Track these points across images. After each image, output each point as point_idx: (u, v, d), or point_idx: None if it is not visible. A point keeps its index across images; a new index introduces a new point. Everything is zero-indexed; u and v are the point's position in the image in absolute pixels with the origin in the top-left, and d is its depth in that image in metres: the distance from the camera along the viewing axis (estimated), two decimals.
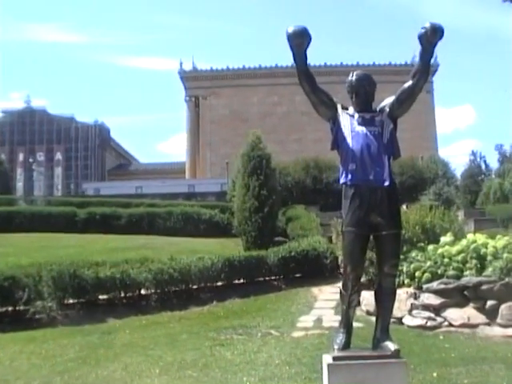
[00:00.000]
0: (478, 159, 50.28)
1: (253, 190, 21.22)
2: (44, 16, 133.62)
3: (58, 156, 79.61)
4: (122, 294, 13.97)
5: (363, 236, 5.38)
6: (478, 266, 11.14)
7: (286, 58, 53.98)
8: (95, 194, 48.29)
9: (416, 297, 11.22)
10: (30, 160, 74.57)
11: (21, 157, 78.71)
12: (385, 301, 5.58)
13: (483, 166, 50.28)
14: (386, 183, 5.33)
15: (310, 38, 5.29)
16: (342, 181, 5.50)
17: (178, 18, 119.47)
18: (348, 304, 5.56)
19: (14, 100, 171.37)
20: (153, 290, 14.17)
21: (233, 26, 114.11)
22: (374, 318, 5.77)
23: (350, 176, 5.38)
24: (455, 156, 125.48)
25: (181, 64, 67.47)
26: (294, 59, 5.41)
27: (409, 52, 61.76)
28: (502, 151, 73.70)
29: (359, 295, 5.77)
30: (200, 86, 65.94)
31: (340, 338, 5.47)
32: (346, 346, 5.41)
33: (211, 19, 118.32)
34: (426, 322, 10.79)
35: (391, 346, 5.23)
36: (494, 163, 64.89)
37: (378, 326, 5.55)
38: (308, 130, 56.60)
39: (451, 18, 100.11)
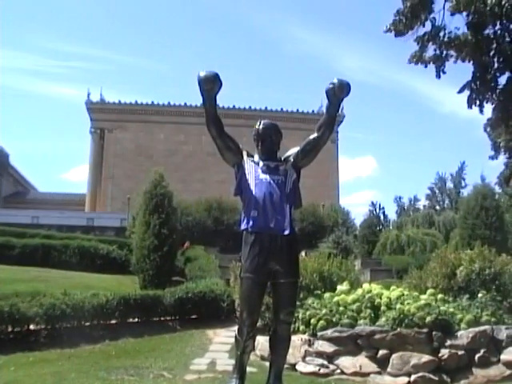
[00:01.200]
0: (377, 210, 51.81)
1: (153, 228, 21.02)
2: None
3: None
4: (10, 329, 13.36)
5: (261, 283, 5.41)
6: (372, 315, 11.36)
7: (195, 98, 54.28)
8: None
9: (310, 344, 11.28)
10: None
11: None
12: (279, 347, 5.62)
13: (382, 217, 51.77)
14: (287, 232, 5.40)
15: (220, 84, 5.34)
16: (243, 227, 5.54)
17: (89, 48, 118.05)
18: (242, 350, 5.56)
19: None
20: (43, 326, 13.64)
21: (144, 61, 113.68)
22: (267, 364, 5.80)
23: (251, 223, 5.43)
24: (355, 205, 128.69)
25: (88, 95, 66.26)
26: (204, 103, 5.45)
27: (317, 101, 63.06)
28: (401, 203, 76.70)
29: (254, 341, 5.79)
30: (106, 118, 64.93)
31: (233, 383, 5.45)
32: None
33: (123, 52, 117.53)
34: (319, 369, 10.84)
35: None
36: (392, 214, 67.34)
37: (272, 372, 5.57)
38: (212, 170, 56.55)
39: (360, 72, 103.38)
